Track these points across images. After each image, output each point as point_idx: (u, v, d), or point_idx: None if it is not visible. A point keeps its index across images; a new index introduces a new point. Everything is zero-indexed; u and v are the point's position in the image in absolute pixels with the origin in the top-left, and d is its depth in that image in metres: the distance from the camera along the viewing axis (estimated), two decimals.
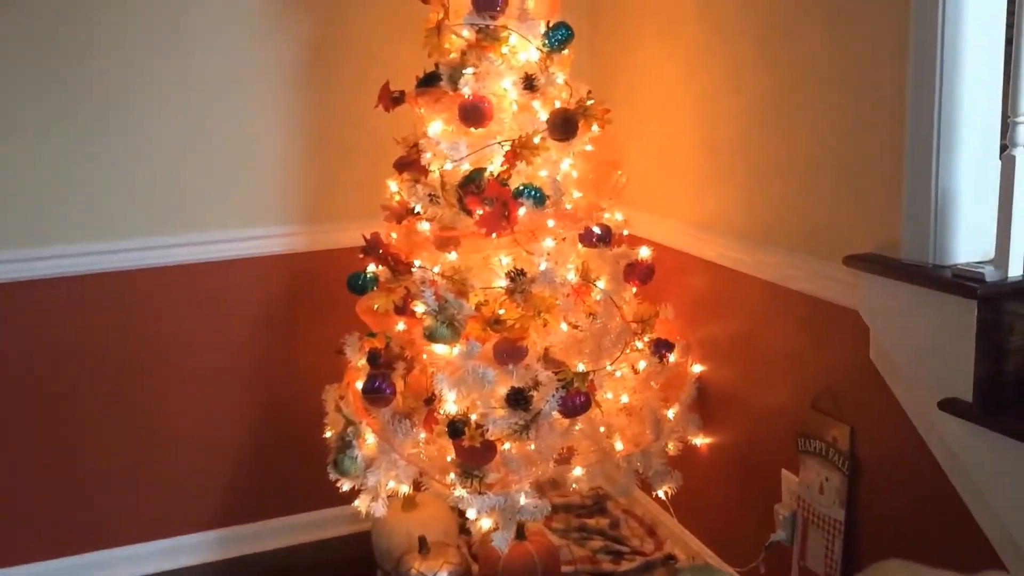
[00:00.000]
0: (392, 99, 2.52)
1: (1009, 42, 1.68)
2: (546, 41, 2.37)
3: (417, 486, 2.61)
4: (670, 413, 2.52)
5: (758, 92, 2.31)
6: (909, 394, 1.92)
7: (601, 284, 2.40)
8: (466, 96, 2.32)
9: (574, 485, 2.46)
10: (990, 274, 1.71)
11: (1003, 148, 1.73)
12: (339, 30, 2.90)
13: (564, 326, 2.37)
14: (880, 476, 2.07)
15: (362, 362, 2.51)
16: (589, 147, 2.45)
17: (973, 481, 1.76)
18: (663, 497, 2.56)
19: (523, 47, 2.39)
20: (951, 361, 1.76)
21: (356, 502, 2.51)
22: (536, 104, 2.39)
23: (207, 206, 2.87)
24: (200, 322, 2.93)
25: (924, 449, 1.90)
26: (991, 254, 1.79)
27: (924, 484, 1.92)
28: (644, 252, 2.47)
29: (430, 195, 2.39)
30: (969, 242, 1.81)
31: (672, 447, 2.55)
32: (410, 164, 2.51)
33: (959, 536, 1.83)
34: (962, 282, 1.72)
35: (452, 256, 2.38)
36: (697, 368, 2.67)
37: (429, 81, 2.43)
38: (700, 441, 2.67)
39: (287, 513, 3.11)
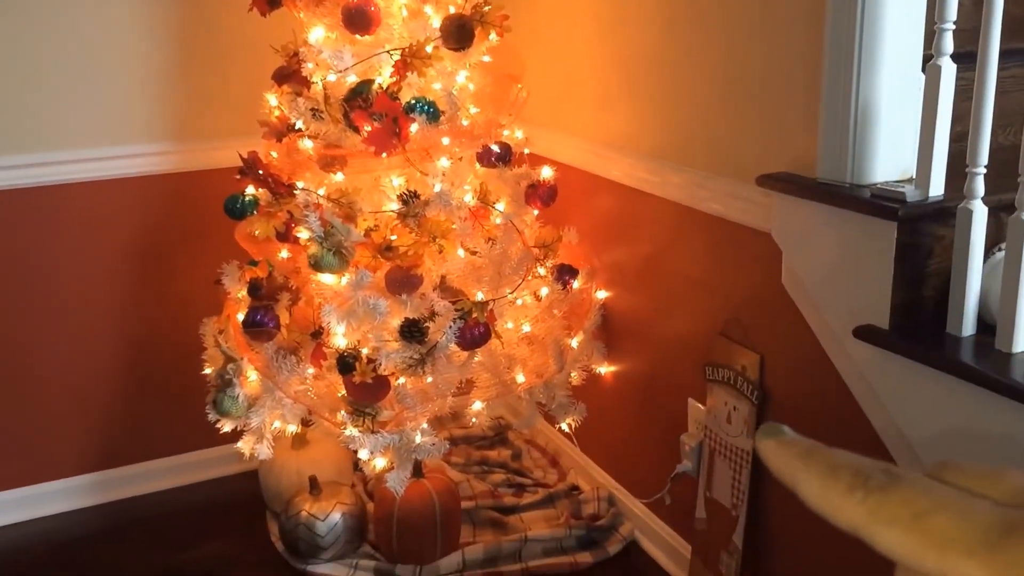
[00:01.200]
0: (268, 1, 2.28)
1: None
2: None
3: (305, 423, 2.46)
4: (574, 342, 2.41)
5: (667, 0, 2.16)
6: (822, 321, 1.83)
7: (501, 207, 2.26)
8: None
9: (474, 420, 2.35)
10: (911, 194, 1.61)
11: (927, 59, 1.63)
12: None
13: (461, 252, 2.23)
14: (790, 405, 2.00)
15: (242, 293, 2.33)
16: (487, 58, 2.27)
17: (887, 410, 1.69)
18: (567, 429, 2.47)
19: None
20: (867, 286, 1.68)
21: (239, 443, 2.34)
22: (428, 9, 2.20)
23: (62, 121, 2.57)
24: (62, 251, 2.66)
25: (836, 377, 1.83)
26: (910, 173, 1.70)
27: (835, 413, 1.85)
28: (546, 172, 2.33)
29: (313, 110, 2.19)
30: (888, 160, 1.72)
31: (576, 377, 2.46)
32: (290, 75, 2.29)
33: None
34: (881, 203, 1.63)
35: (338, 177, 2.19)
36: (602, 294, 2.56)
37: None
38: (605, 370, 2.59)
39: (167, 454, 2.92)
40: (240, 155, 2.28)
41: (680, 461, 2.34)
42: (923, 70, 1.64)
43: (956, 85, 1.60)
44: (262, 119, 2.36)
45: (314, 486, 2.51)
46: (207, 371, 2.39)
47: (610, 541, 2.58)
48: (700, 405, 2.27)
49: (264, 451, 2.31)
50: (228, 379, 2.28)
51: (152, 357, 2.82)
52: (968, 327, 1.59)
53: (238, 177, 2.30)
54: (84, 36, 2.55)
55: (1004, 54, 1.57)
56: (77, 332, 2.73)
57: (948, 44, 1.56)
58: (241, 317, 2.27)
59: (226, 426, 2.31)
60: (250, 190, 2.32)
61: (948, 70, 1.57)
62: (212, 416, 2.30)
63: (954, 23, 1.56)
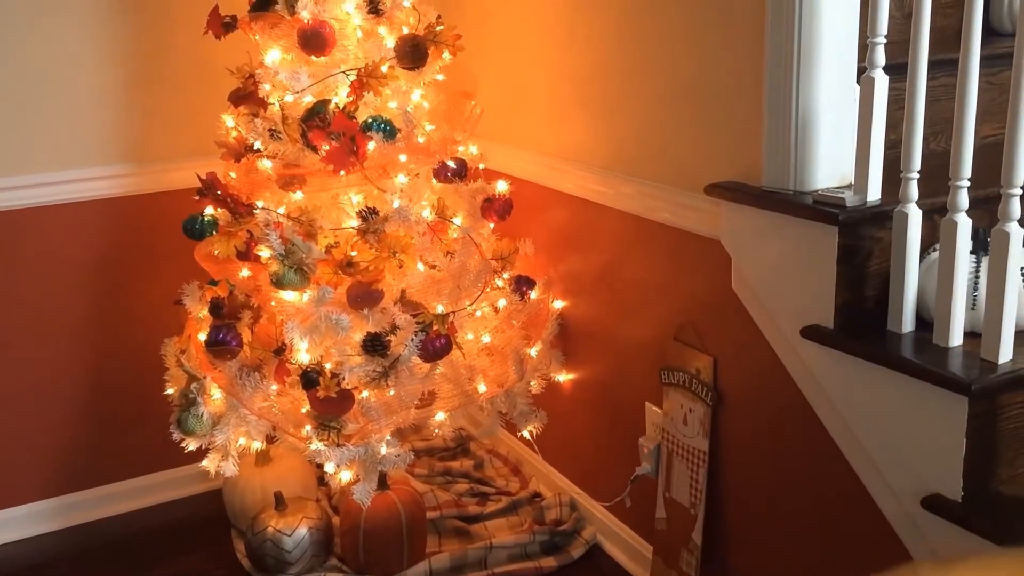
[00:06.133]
0: (223, 25, 2.32)
1: None
2: None
3: (270, 440, 2.48)
4: (533, 351, 2.47)
5: (614, 15, 2.23)
6: (771, 323, 1.91)
7: (458, 221, 2.31)
8: (305, 21, 2.15)
9: (437, 431, 2.39)
10: (850, 199, 1.70)
11: (861, 71, 1.71)
12: None
13: (421, 266, 2.27)
14: (743, 405, 2.07)
15: (204, 312, 2.35)
16: (440, 76, 2.33)
17: (835, 406, 1.77)
18: (528, 437, 2.52)
19: None
20: (812, 288, 1.75)
21: (204, 461, 2.36)
22: (382, 30, 2.25)
23: (16, 146, 2.57)
24: (20, 276, 2.65)
25: (786, 377, 1.90)
26: (849, 179, 1.79)
27: (787, 411, 1.92)
28: (501, 186, 2.39)
29: (270, 130, 2.22)
30: (828, 168, 1.80)
31: (535, 385, 2.52)
32: (247, 96, 2.32)
33: (821, 462, 1.85)
34: (823, 208, 1.71)
35: (297, 195, 2.24)
36: (559, 304, 2.62)
37: (263, 4, 2.24)
38: (563, 378, 2.65)
39: (129, 476, 2.91)
40: (198, 176, 2.30)
41: (639, 464, 2.40)
42: (858, 81, 1.73)
43: (889, 95, 1.69)
44: (220, 140, 2.38)
45: (279, 502, 2.53)
46: (169, 391, 2.40)
47: (573, 545, 2.63)
48: (657, 408, 2.33)
49: (229, 468, 2.33)
50: (192, 398, 2.30)
51: (112, 379, 2.82)
52: (907, 324, 1.68)
53: (197, 198, 2.32)
54: (37, 60, 2.55)
55: (934, 64, 1.67)
56: (36, 356, 2.72)
57: (880, 57, 1.65)
58: (203, 336, 2.29)
59: (191, 445, 2.33)
60: (209, 210, 2.34)
61: (881, 81, 1.66)
62: (176, 435, 2.32)
63: (885, 37, 1.65)
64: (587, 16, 2.33)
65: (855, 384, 1.70)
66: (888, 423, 1.64)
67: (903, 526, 1.68)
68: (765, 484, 2.04)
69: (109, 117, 2.67)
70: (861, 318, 1.73)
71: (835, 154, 1.80)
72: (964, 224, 1.55)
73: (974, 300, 1.64)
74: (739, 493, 2.12)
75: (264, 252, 2.12)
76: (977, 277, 1.64)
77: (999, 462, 1.56)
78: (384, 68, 2.19)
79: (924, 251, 1.70)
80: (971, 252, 1.61)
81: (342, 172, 2.15)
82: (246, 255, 2.24)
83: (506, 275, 2.38)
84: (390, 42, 2.24)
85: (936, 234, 1.65)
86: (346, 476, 2.25)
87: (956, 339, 1.60)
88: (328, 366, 2.15)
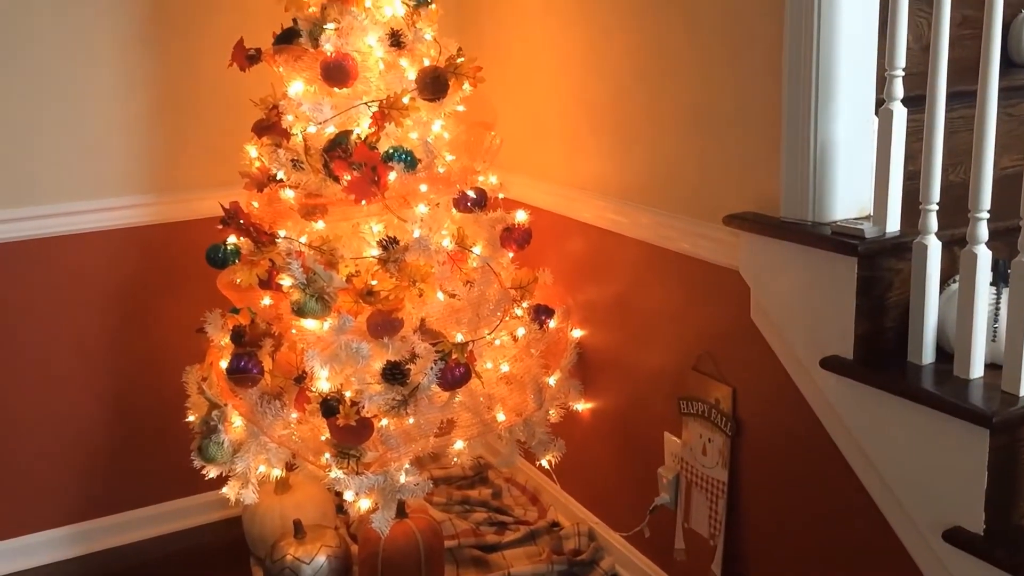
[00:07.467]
0: (248, 57, 2.35)
1: None
2: None
3: (290, 467, 2.49)
4: (551, 380, 2.47)
5: (631, 47, 2.25)
6: (790, 353, 1.91)
7: (477, 250, 2.33)
8: (328, 53, 2.19)
9: (456, 459, 2.39)
10: (869, 230, 1.70)
11: (879, 103, 1.72)
12: None
13: (441, 295, 2.29)
14: (762, 436, 2.07)
15: (225, 340, 2.36)
16: (461, 107, 2.35)
17: (854, 437, 1.76)
18: (546, 466, 2.52)
19: (388, 1, 2.27)
20: (832, 319, 1.76)
21: (224, 489, 2.37)
22: (404, 62, 2.28)
23: (43, 175, 2.62)
24: (44, 303, 2.69)
25: (805, 407, 1.90)
26: (868, 210, 1.79)
27: (806, 442, 1.92)
28: (521, 216, 2.40)
29: (293, 160, 2.25)
30: (847, 199, 1.81)
31: (554, 414, 2.52)
32: (270, 127, 2.36)
33: (841, 493, 1.85)
34: (842, 239, 1.71)
35: (319, 225, 2.26)
36: (577, 333, 2.63)
37: (287, 37, 2.27)
38: (582, 407, 2.65)
39: (149, 503, 2.92)
40: (222, 205, 2.33)
41: (658, 494, 2.39)
42: (876, 113, 1.74)
43: (908, 127, 1.70)
44: (243, 170, 2.41)
45: (298, 530, 2.53)
46: (190, 418, 2.42)
47: (591, 575, 2.62)
48: (676, 438, 2.33)
49: (249, 496, 2.33)
50: (213, 425, 2.31)
51: (134, 406, 2.84)
52: (928, 355, 1.67)
53: (220, 227, 2.35)
54: (65, 91, 2.60)
55: (952, 96, 1.67)
56: (58, 383, 2.75)
57: (898, 89, 1.66)
58: (225, 364, 2.30)
59: (211, 472, 2.34)
60: (232, 239, 2.37)
61: (899, 114, 1.67)
62: (197, 463, 2.32)
63: (903, 69, 1.66)
64: (604, 48, 2.35)
65: (875, 415, 1.70)
66: (909, 455, 1.64)
67: (924, 559, 1.67)
68: (785, 515, 2.03)
69: (134, 146, 2.71)
70: (881, 349, 1.73)
71: (854, 185, 1.81)
72: (984, 256, 1.56)
73: (994, 332, 1.64)
74: (759, 523, 2.11)
75: (286, 281, 2.14)
76: (997, 309, 1.64)
77: (1021, 495, 1.55)
78: (405, 99, 2.21)
79: (944, 282, 1.70)
80: (991, 283, 1.61)
81: (363, 202, 2.17)
82: (268, 284, 2.26)
83: (525, 304, 2.39)
84: (411, 74, 2.27)
85: (956, 265, 1.65)
86: (365, 504, 2.26)
87: (977, 371, 1.60)
88: (348, 394, 2.16)
